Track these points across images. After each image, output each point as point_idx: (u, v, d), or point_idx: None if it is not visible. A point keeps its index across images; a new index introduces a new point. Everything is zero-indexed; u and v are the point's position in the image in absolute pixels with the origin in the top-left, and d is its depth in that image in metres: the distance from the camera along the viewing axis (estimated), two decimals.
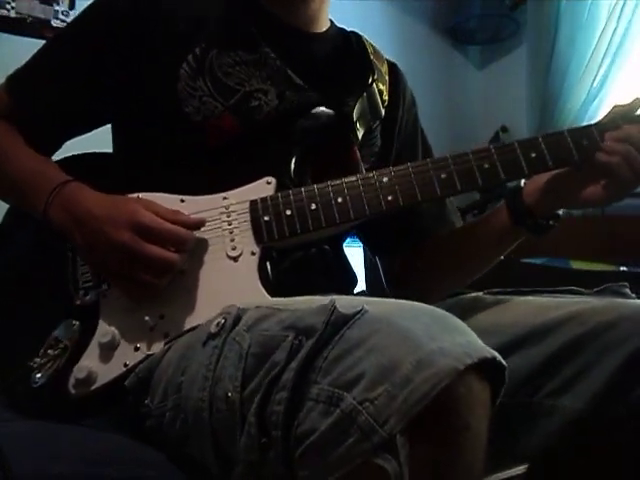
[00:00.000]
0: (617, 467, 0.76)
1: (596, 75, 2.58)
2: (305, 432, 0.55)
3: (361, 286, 1.19)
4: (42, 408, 0.81)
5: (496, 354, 0.54)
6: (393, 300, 0.62)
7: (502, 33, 3.01)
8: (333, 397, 0.54)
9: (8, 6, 2.03)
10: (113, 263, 0.80)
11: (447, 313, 0.59)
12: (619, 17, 2.52)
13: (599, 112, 2.62)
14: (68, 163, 0.93)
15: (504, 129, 2.90)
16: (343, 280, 1.03)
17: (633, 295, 0.86)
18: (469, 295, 0.94)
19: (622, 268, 1.95)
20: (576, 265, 1.98)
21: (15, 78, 0.98)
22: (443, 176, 0.83)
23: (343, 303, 0.59)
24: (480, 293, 0.94)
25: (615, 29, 2.52)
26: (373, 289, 1.29)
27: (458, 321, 0.58)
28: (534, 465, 0.85)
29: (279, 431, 0.56)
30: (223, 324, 0.69)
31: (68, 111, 0.95)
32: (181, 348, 0.76)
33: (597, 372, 0.75)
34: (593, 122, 0.86)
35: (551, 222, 0.91)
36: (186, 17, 0.92)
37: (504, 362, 0.54)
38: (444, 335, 0.54)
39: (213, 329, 0.70)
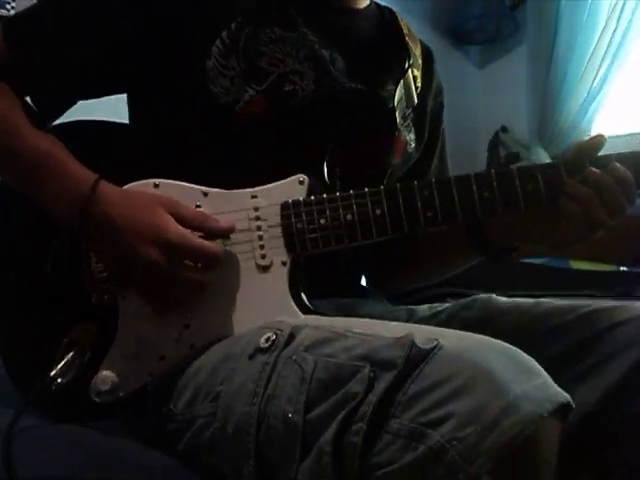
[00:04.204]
0: (622, 466, 0.76)
1: (596, 75, 2.57)
2: (380, 463, 0.56)
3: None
4: (65, 412, 0.80)
5: (569, 397, 0.56)
6: (462, 333, 0.63)
7: (502, 33, 3.00)
8: (415, 433, 0.55)
9: (8, 6, 2.03)
10: (138, 278, 0.77)
11: (517, 350, 0.59)
12: (619, 17, 2.51)
13: (599, 112, 2.62)
14: (77, 129, 0.86)
15: (504, 129, 2.90)
16: (357, 278, 1.03)
17: None
18: (483, 296, 0.95)
19: (622, 268, 1.95)
20: (576, 265, 1.97)
21: (15, 24, 0.86)
22: (486, 195, 0.78)
23: (415, 333, 0.60)
24: (492, 295, 0.94)
25: (615, 29, 2.52)
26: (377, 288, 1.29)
27: (528, 358, 0.59)
28: None
29: (355, 461, 0.57)
30: (274, 340, 0.67)
31: (79, 72, 0.85)
32: (216, 356, 0.75)
33: (609, 370, 0.76)
34: (559, 160, 0.83)
35: (512, 253, 0.93)
36: None
37: (573, 404, 0.57)
38: (522, 376, 0.56)
39: (262, 344, 0.68)
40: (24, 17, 0.89)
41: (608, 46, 2.53)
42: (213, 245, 0.76)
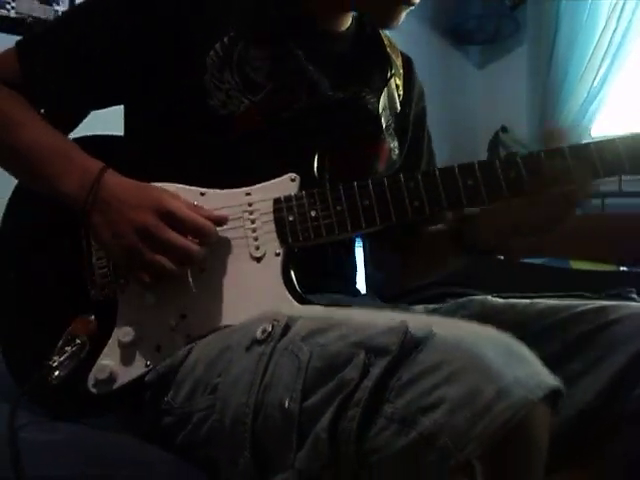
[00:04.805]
0: (618, 463, 0.77)
1: (596, 75, 2.58)
2: (375, 449, 0.57)
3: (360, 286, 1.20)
4: (62, 406, 0.80)
5: (560, 384, 0.56)
6: (456, 321, 0.63)
7: (502, 33, 3.01)
8: (407, 419, 0.55)
9: (8, 6, 2.03)
10: (131, 245, 0.78)
11: (510, 337, 0.60)
12: (619, 17, 2.52)
13: (599, 112, 2.62)
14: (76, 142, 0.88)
15: (504, 129, 2.90)
16: (351, 278, 1.04)
17: None
18: (478, 297, 0.96)
19: (622, 268, 1.95)
20: (576, 265, 1.97)
21: (27, 44, 0.90)
22: (470, 183, 0.81)
23: (410, 321, 0.60)
24: (488, 296, 0.95)
25: (615, 29, 2.53)
26: (372, 288, 1.30)
27: (520, 345, 0.59)
28: None
29: (351, 446, 0.57)
30: (270, 331, 0.69)
31: (82, 90, 0.90)
32: (214, 348, 0.75)
33: (604, 367, 0.77)
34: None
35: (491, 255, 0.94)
36: (216, 4, 0.89)
37: (564, 390, 0.57)
38: (515, 364, 0.56)
39: (259, 335, 0.69)
40: (33, 39, 0.93)
41: (608, 46, 2.54)
42: (207, 221, 0.80)
